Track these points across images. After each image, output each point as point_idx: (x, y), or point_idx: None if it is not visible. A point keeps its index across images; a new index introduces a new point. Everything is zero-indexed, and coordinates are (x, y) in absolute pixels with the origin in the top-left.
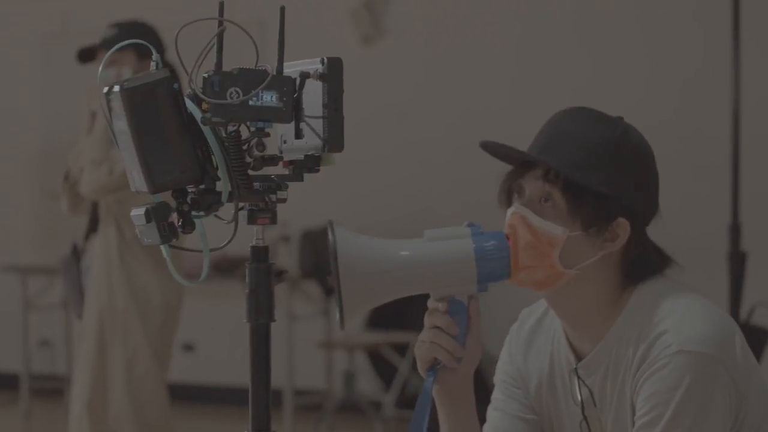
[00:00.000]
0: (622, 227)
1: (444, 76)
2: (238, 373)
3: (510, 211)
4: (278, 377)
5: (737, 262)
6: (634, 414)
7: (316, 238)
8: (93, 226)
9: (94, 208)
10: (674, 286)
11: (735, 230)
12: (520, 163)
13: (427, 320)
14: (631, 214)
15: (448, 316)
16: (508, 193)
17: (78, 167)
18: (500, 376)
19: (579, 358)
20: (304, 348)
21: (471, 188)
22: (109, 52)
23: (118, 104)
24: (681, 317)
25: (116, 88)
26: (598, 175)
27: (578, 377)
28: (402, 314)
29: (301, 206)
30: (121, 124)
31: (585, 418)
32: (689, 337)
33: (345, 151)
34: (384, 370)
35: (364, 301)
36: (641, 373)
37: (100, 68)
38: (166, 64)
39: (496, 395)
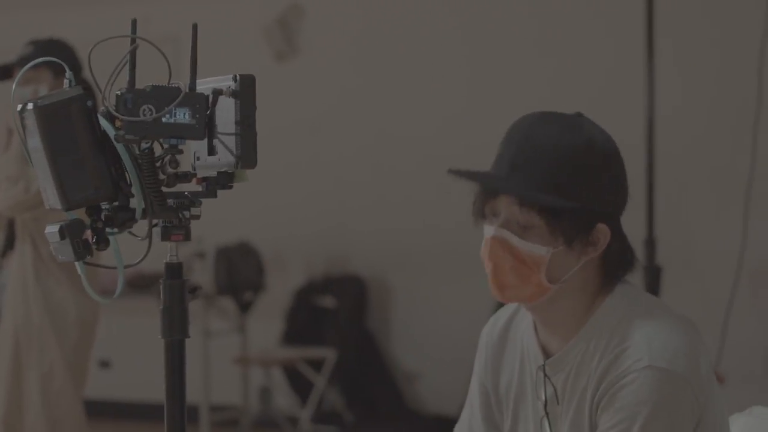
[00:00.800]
0: (602, 232)
1: (357, 92)
2: (154, 389)
3: (489, 231)
4: (194, 393)
5: (653, 276)
6: (591, 418)
7: (230, 255)
8: (10, 244)
9: (11, 225)
10: (646, 297)
11: (650, 245)
12: (503, 192)
13: None
14: (608, 216)
15: None
16: (482, 211)
17: None
18: (474, 380)
19: (547, 355)
20: (220, 364)
21: (385, 206)
22: (23, 69)
23: (31, 122)
24: (652, 332)
25: (30, 106)
26: (573, 191)
27: (545, 374)
28: (317, 330)
29: (215, 222)
30: (35, 142)
31: (547, 414)
32: (659, 354)
33: (259, 167)
34: (300, 385)
35: None
36: (609, 385)
37: (14, 85)
38: (81, 82)
39: (470, 397)
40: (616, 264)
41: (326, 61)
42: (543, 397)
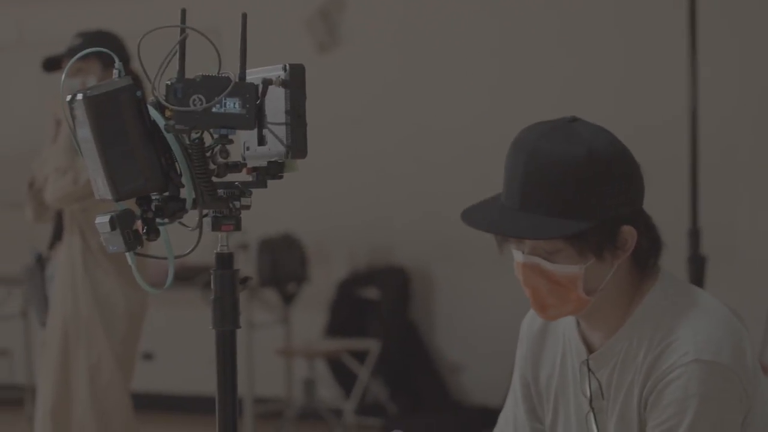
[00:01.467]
0: (629, 234)
1: (400, 84)
2: (197, 381)
3: (519, 258)
4: (239, 385)
5: (697, 266)
6: (639, 413)
7: (273, 246)
8: (58, 235)
9: (59, 216)
10: (688, 288)
11: (694, 235)
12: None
13: None
14: (629, 216)
15: None
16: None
17: (43, 176)
18: (516, 371)
19: (590, 350)
20: (264, 356)
21: (427, 198)
22: (72, 60)
23: (81, 112)
24: (697, 325)
25: (79, 97)
26: (589, 209)
27: (589, 369)
28: (361, 321)
29: (258, 214)
30: (85, 132)
31: (592, 409)
32: (705, 346)
33: (305, 158)
34: (344, 377)
35: None
36: (656, 379)
37: (63, 76)
38: (130, 72)
39: (513, 388)
40: (646, 256)
41: (367, 53)
42: (588, 393)
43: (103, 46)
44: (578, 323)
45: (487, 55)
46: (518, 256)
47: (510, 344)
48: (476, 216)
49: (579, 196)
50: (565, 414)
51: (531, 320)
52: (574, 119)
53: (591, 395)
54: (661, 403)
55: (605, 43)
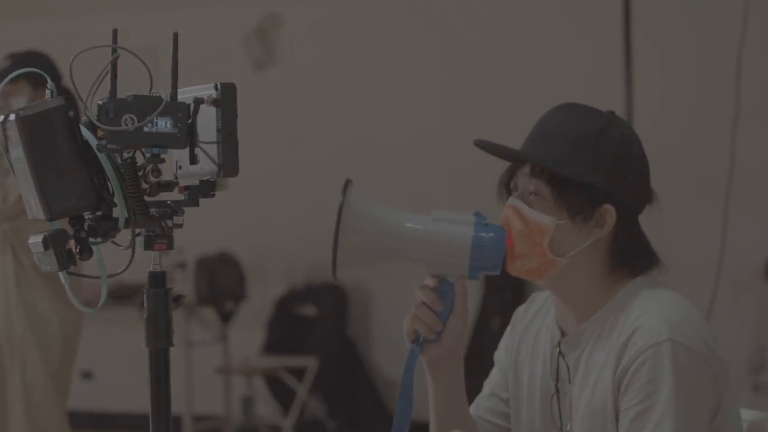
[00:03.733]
0: (609, 213)
1: (334, 100)
2: (136, 399)
3: (506, 203)
4: (177, 403)
5: None
6: (613, 394)
7: (211, 265)
8: None
9: None
10: (666, 288)
11: None
12: (509, 160)
13: (417, 294)
14: (617, 200)
15: (435, 293)
16: (506, 188)
17: None
18: (498, 352)
19: (563, 335)
20: (202, 374)
21: None
22: (3, 83)
23: (14, 132)
24: (671, 312)
25: (12, 117)
26: (581, 166)
27: (560, 353)
28: (299, 339)
29: (195, 232)
30: (17, 153)
31: (557, 391)
32: (679, 329)
33: (239, 176)
34: (282, 394)
35: (357, 258)
36: (629, 361)
37: None
38: (62, 92)
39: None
40: (623, 252)
41: (304, 70)
42: (555, 375)
43: (33, 66)
44: (556, 310)
45: (426, 70)
46: (506, 203)
47: None
48: (484, 143)
49: (577, 153)
50: (530, 392)
51: (526, 307)
52: (612, 112)
53: (558, 378)
54: (636, 383)
55: (548, 53)
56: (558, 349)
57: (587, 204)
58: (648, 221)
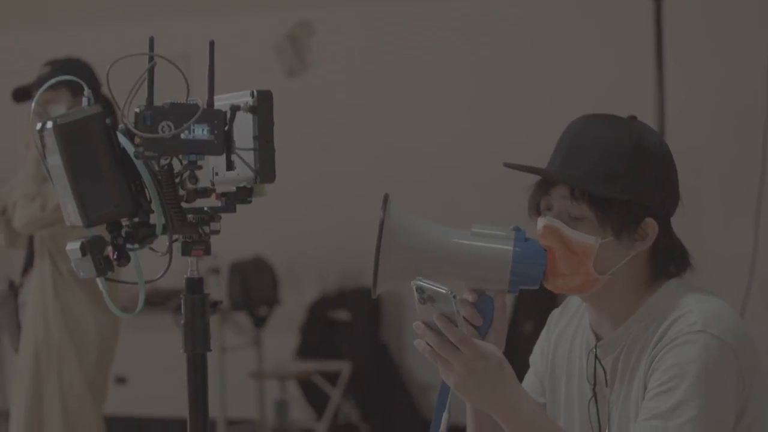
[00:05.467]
0: (651, 226)
1: (367, 106)
2: (170, 405)
3: (541, 223)
4: (211, 408)
5: None
6: (644, 390)
7: (244, 270)
8: (30, 261)
9: (31, 243)
10: (701, 288)
11: None
12: (542, 182)
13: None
14: (657, 212)
15: (475, 309)
16: (537, 206)
17: (12, 203)
18: (534, 356)
19: (598, 339)
20: (236, 379)
21: None
22: (41, 89)
23: (51, 140)
24: (707, 307)
25: (49, 124)
26: (621, 183)
27: (596, 357)
28: (332, 343)
29: (229, 238)
30: (55, 160)
31: (595, 395)
32: (714, 322)
33: (273, 183)
34: (316, 398)
35: (398, 273)
36: (661, 346)
37: (33, 105)
38: (99, 100)
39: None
40: (663, 260)
41: (336, 76)
42: (593, 380)
43: (72, 74)
44: (589, 315)
45: (457, 78)
46: (540, 222)
47: None
48: (516, 165)
49: (616, 171)
50: (567, 397)
51: (561, 311)
52: (634, 118)
53: (596, 382)
54: (663, 365)
55: (576, 62)
56: (594, 352)
57: (631, 220)
58: (679, 222)
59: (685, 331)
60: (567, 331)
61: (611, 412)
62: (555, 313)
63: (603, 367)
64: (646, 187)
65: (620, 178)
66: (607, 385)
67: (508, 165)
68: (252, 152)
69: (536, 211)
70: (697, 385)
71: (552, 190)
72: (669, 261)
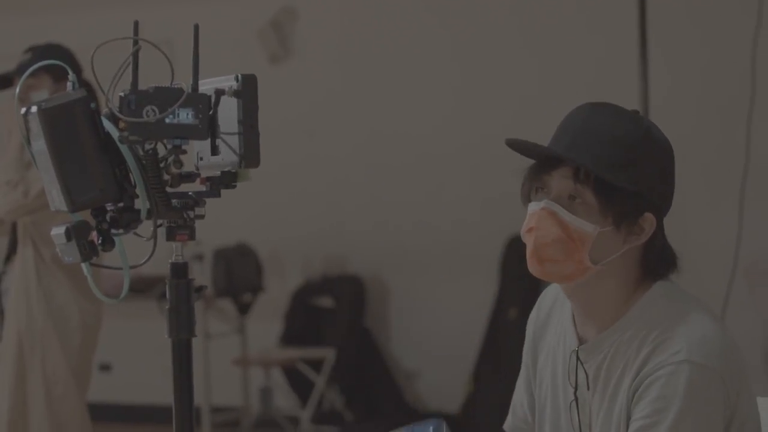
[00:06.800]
0: (649, 222)
1: (350, 92)
2: (154, 392)
3: (537, 205)
4: (196, 395)
5: None
6: (627, 407)
7: (228, 256)
8: (13, 248)
9: (14, 230)
10: (685, 294)
11: None
12: (544, 159)
13: None
14: (656, 208)
15: None
16: (532, 188)
17: None
18: (523, 357)
19: (581, 342)
20: (220, 365)
21: (381, 206)
22: (24, 76)
23: (36, 124)
24: (692, 327)
25: (34, 109)
26: (628, 173)
27: (578, 359)
28: (316, 330)
29: (212, 224)
30: (39, 144)
31: (576, 399)
32: (697, 348)
33: (258, 167)
34: (300, 385)
35: None
36: (645, 374)
37: (17, 92)
38: (83, 84)
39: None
40: (656, 259)
41: (319, 62)
42: (574, 383)
43: (54, 59)
44: (574, 319)
45: (441, 63)
46: (536, 205)
47: (465, 350)
48: (522, 144)
49: (623, 161)
50: (553, 401)
51: (536, 312)
52: (636, 112)
53: (577, 385)
54: (647, 397)
55: (561, 47)
56: (576, 355)
57: (633, 213)
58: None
59: (668, 361)
60: (548, 330)
61: (592, 417)
62: (531, 317)
63: (585, 371)
64: (651, 180)
65: (628, 168)
66: (588, 389)
67: (510, 142)
68: (237, 136)
69: (528, 196)
70: (681, 420)
71: (554, 171)
72: (661, 261)
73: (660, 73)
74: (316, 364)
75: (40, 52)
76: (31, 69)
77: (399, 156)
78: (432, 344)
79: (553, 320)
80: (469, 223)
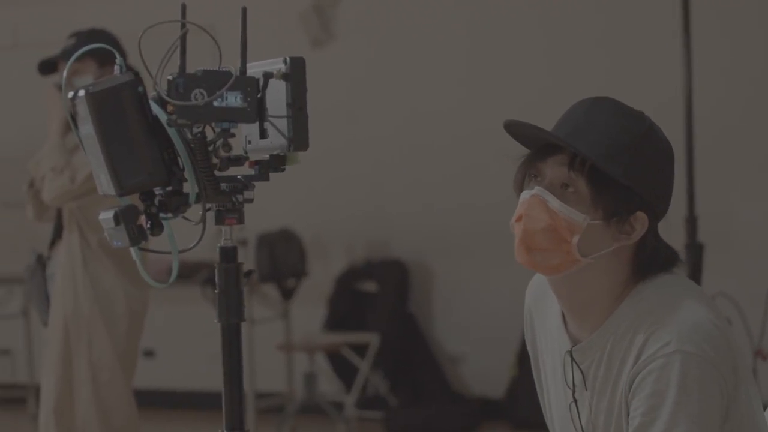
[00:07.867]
0: (640, 221)
1: (391, 76)
2: (198, 377)
3: (529, 192)
4: None
5: (695, 253)
6: (626, 403)
7: (272, 241)
8: (58, 234)
9: (59, 215)
10: (675, 279)
11: (691, 222)
12: (541, 147)
13: None
14: (649, 209)
15: None
16: (525, 176)
17: (40, 175)
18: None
19: (574, 342)
20: (265, 351)
21: (424, 190)
22: (71, 60)
23: (83, 108)
24: (682, 316)
25: (81, 93)
26: (624, 167)
27: (572, 360)
28: (360, 315)
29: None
30: (87, 129)
31: (575, 400)
32: (688, 337)
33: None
34: (344, 370)
35: None
36: (639, 367)
37: (64, 77)
38: (130, 68)
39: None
40: (647, 260)
41: (360, 46)
42: (571, 384)
43: (99, 44)
44: (564, 321)
45: (482, 43)
46: (527, 193)
47: (509, 333)
48: (521, 126)
49: (622, 153)
50: (555, 399)
51: (528, 316)
52: (642, 113)
53: (574, 387)
54: (642, 393)
55: (598, 24)
56: (570, 356)
57: (624, 208)
58: (709, 194)
59: (660, 353)
60: (542, 324)
61: (594, 417)
62: (525, 312)
63: (582, 371)
64: (647, 179)
65: (624, 163)
66: (586, 389)
67: (508, 124)
68: (285, 120)
69: (521, 185)
70: (677, 411)
71: (549, 157)
72: (652, 263)
73: (707, 51)
74: (361, 349)
75: (84, 36)
76: (78, 53)
77: (441, 138)
78: (476, 328)
79: (545, 310)
80: (514, 204)
